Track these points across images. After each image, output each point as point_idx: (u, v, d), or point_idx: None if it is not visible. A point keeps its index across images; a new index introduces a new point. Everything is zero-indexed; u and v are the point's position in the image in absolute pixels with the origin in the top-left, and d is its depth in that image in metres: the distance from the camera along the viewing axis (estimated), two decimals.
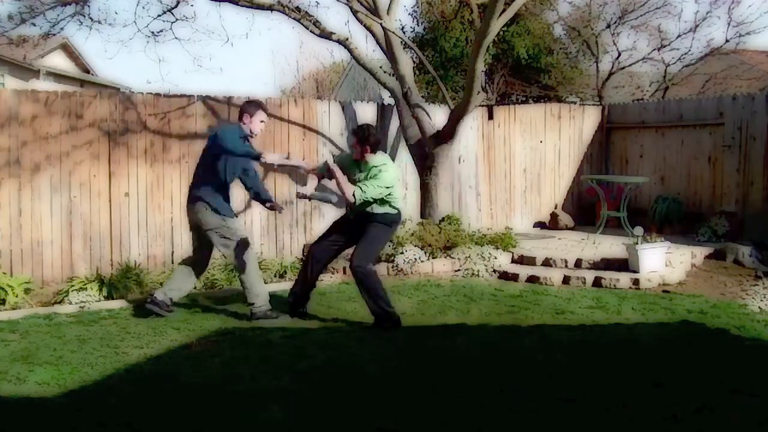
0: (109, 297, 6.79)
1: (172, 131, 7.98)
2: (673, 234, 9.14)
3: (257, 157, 5.91)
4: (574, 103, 13.36)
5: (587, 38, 14.13)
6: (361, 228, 5.98)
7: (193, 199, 6.02)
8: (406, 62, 8.88)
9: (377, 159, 5.96)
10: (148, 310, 6.08)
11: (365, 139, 5.89)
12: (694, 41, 14.81)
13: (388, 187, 5.86)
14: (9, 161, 7.14)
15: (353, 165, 6.03)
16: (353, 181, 5.91)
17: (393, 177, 5.93)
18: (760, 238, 8.65)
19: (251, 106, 6.13)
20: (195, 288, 6.72)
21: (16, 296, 6.60)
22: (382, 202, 5.91)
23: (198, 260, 6.30)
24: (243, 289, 6.14)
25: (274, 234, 8.66)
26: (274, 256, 8.44)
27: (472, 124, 9.98)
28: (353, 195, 5.75)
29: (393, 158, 9.47)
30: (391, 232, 6.19)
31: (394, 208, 6.00)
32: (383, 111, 9.48)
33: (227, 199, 6.10)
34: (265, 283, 7.49)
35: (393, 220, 6.07)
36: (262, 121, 6.13)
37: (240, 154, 5.89)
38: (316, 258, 6.16)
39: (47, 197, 7.33)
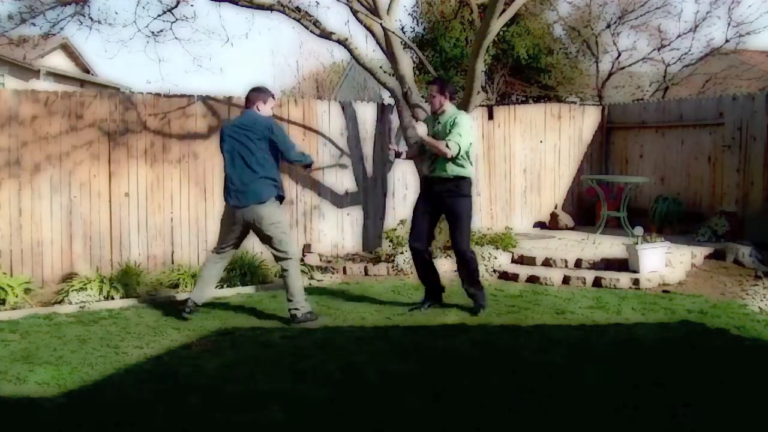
0: (109, 297, 6.80)
1: (172, 131, 7.98)
2: (673, 234, 9.13)
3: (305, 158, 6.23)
4: (574, 103, 13.34)
5: (587, 38, 14.13)
6: (441, 201, 6.13)
7: (264, 192, 5.88)
8: (406, 62, 8.87)
9: (453, 109, 6.21)
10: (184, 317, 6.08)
11: (445, 86, 6.17)
12: (694, 41, 14.85)
13: (467, 131, 6.00)
14: (9, 161, 7.14)
15: (430, 121, 6.26)
16: (433, 137, 6.13)
17: (470, 121, 6.18)
18: (760, 238, 8.65)
19: (262, 93, 6.08)
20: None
21: (16, 296, 6.60)
22: (457, 163, 6.02)
23: (229, 257, 6.37)
24: (288, 292, 6.02)
25: None
26: None
27: (471, 124, 9.96)
28: (448, 147, 5.94)
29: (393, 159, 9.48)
30: (472, 201, 6.26)
31: (467, 168, 6.09)
32: (383, 111, 9.48)
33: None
34: (266, 282, 7.53)
35: (471, 189, 6.18)
36: (272, 107, 6.20)
37: (291, 151, 6.00)
38: (418, 250, 6.29)
39: (47, 197, 7.33)
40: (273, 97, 6.18)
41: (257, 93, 6.09)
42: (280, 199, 6.05)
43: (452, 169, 6.07)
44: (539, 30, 13.22)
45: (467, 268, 6.26)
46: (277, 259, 6.09)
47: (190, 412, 4.00)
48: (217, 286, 7.23)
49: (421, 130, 6.15)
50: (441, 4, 13.04)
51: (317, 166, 8.91)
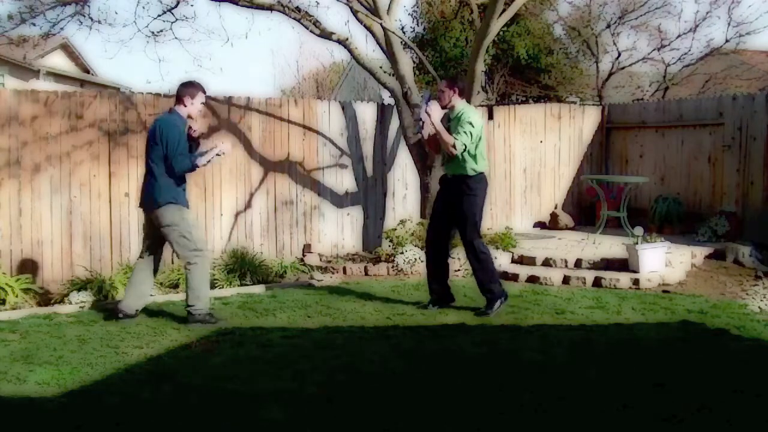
0: (109, 297, 6.79)
1: None
2: (673, 234, 9.13)
3: (192, 168, 5.81)
4: (574, 103, 13.35)
5: (587, 38, 14.13)
6: (450, 199, 6.18)
7: (156, 197, 5.78)
8: (406, 62, 8.87)
9: (461, 104, 6.18)
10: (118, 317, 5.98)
11: (454, 82, 6.16)
12: (694, 41, 14.81)
13: (473, 129, 5.97)
14: (9, 161, 7.14)
15: (446, 117, 6.25)
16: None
17: (477, 118, 6.10)
18: (760, 238, 8.64)
19: (191, 87, 5.93)
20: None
21: (16, 296, 6.60)
22: (462, 161, 6.04)
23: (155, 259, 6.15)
24: (186, 289, 5.93)
25: (274, 234, 8.66)
26: (274, 257, 8.44)
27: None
28: (454, 147, 5.94)
29: (393, 158, 9.48)
30: (484, 193, 6.21)
31: (480, 163, 6.10)
32: (383, 111, 9.48)
33: (184, 190, 5.93)
34: (266, 282, 7.54)
35: (480, 185, 6.14)
36: (202, 103, 6.02)
37: (173, 161, 5.69)
38: (433, 245, 6.37)
39: (47, 197, 7.33)
40: (203, 92, 5.98)
41: (184, 88, 5.92)
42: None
43: (458, 168, 6.11)
44: (539, 30, 13.24)
45: (476, 266, 6.24)
46: (183, 262, 5.95)
47: (190, 412, 4.00)
48: (217, 286, 7.24)
49: (436, 115, 6.05)
50: (441, 4, 13.05)
51: (317, 166, 8.90)
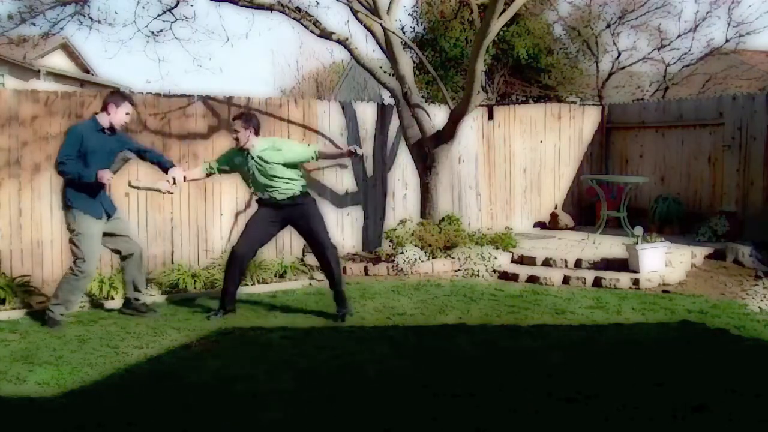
0: (109, 297, 6.79)
1: (172, 131, 7.98)
2: (673, 234, 9.14)
3: (71, 174, 5.85)
4: (574, 103, 13.36)
5: (587, 38, 14.14)
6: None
7: (65, 199, 5.94)
8: (406, 62, 8.87)
9: (264, 139, 6.15)
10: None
11: (249, 121, 6.03)
12: (694, 41, 14.81)
13: (303, 149, 6.11)
14: (9, 161, 7.14)
15: (239, 157, 6.13)
16: (246, 175, 6.11)
17: (297, 143, 6.20)
18: (760, 238, 8.64)
19: (116, 97, 6.02)
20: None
21: (16, 296, 6.59)
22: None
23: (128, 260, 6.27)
24: (57, 288, 5.94)
25: None
26: (274, 257, 8.43)
27: (472, 124, 9.98)
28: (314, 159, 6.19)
29: (393, 158, 9.48)
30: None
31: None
32: (383, 111, 9.48)
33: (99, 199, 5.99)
34: (265, 283, 7.53)
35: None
36: (127, 113, 6.02)
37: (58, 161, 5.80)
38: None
39: (47, 197, 7.32)
40: (130, 103, 6.03)
41: (109, 96, 6.03)
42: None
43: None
44: (539, 30, 13.24)
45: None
46: (70, 265, 5.99)
47: (190, 412, 4.00)
48: (217, 286, 7.23)
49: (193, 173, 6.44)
50: (441, 4, 13.05)
51: (316, 166, 8.90)
